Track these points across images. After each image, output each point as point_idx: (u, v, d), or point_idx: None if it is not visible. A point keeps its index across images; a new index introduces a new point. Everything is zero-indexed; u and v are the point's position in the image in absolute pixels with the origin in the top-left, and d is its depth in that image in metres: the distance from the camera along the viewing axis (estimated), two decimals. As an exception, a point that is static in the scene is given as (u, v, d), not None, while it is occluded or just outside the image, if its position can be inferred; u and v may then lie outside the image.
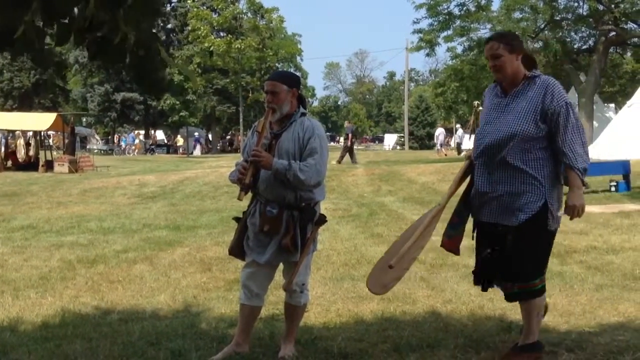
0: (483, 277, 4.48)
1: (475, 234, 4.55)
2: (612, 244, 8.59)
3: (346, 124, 35.44)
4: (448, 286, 6.65)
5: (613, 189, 13.82)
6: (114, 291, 6.86)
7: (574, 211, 4.22)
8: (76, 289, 6.99)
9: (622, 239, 8.88)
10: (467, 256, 8.03)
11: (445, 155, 37.87)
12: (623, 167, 14.23)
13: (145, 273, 7.62)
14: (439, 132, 42.22)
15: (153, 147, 58.51)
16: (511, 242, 4.20)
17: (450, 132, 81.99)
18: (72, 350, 4.74)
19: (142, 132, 62.79)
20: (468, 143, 47.70)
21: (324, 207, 4.77)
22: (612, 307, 5.67)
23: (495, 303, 5.92)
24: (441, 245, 4.65)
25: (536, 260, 4.29)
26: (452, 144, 69.70)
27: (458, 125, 49.20)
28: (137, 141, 58.00)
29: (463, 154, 38.99)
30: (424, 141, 71.46)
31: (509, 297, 4.41)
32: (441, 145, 40.77)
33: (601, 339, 4.74)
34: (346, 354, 4.51)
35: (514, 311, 5.62)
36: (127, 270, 7.82)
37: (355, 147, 30.14)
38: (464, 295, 6.25)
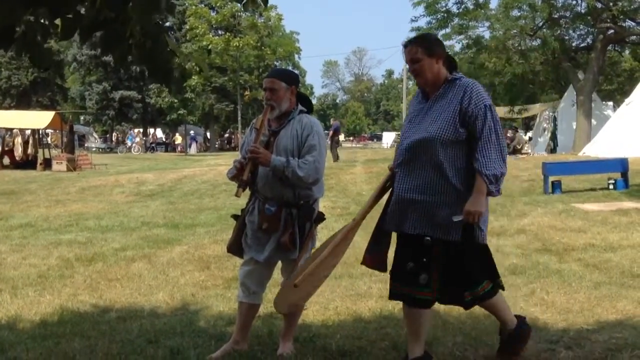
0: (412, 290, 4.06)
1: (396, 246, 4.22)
2: (610, 242, 8.59)
3: (332, 120, 35.98)
4: (446, 284, 6.64)
5: (611, 186, 13.81)
6: (112, 289, 6.86)
7: (469, 217, 3.90)
8: (75, 287, 6.99)
9: (620, 237, 8.89)
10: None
11: None
12: (621, 165, 14.23)
13: (143, 271, 7.63)
14: None
15: (154, 145, 58.43)
16: (450, 256, 3.98)
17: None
18: (71, 348, 4.74)
19: (141, 130, 62.69)
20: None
21: (322, 205, 4.77)
22: (610, 305, 5.67)
23: (493, 301, 5.92)
24: (362, 263, 4.40)
25: (478, 269, 4.12)
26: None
27: None
28: (137, 139, 57.96)
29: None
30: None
31: (466, 305, 4.23)
32: None
33: (599, 336, 4.75)
34: (344, 351, 4.51)
35: (512, 308, 5.61)
36: (126, 268, 7.82)
37: (351, 145, 30.32)
38: (463, 293, 6.25)
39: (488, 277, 4.15)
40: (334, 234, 4.45)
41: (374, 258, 4.33)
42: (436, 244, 3.96)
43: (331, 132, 27.57)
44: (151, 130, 63.88)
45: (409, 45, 4.10)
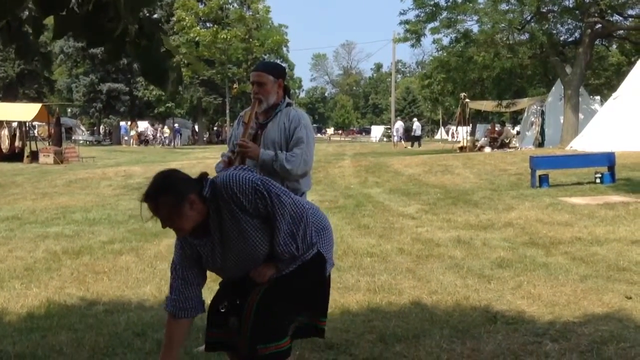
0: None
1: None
2: (597, 235, 8.65)
3: None
4: (434, 277, 6.67)
5: (598, 180, 13.89)
6: (99, 282, 6.83)
7: None
8: (61, 280, 6.96)
9: (606, 230, 8.94)
10: (453, 247, 8.12)
11: (405, 147, 38.67)
12: (608, 159, 14.31)
13: (131, 264, 7.60)
14: (399, 126, 43.66)
15: (147, 138, 58.17)
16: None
17: (437, 124, 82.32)
18: (58, 341, 4.72)
19: (129, 122, 62.42)
20: (456, 135, 48.07)
21: (310, 199, 4.76)
22: (597, 298, 5.71)
23: (480, 294, 5.96)
24: None
25: None
26: (440, 135, 70.09)
27: (415, 119, 49.91)
28: (133, 132, 57.66)
29: (416, 147, 40.27)
30: (410, 133, 71.69)
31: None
32: (400, 139, 41.87)
33: (585, 329, 4.78)
34: (332, 344, 4.52)
35: (499, 302, 5.67)
36: (113, 261, 7.80)
37: (340, 138, 30.47)
38: (450, 286, 6.28)
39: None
40: None
41: None
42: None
43: None
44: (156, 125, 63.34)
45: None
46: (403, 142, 42.02)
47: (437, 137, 72.32)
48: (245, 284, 3.41)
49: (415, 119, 49.66)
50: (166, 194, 3.16)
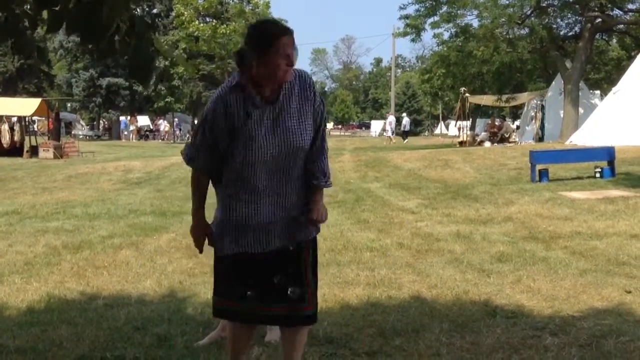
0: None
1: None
2: (597, 230, 8.65)
3: None
4: (433, 271, 6.68)
5: (598, 175, 13.88)
6: (99, 277, 6.84)
7: None
8: (61, 274, 6.96)
9: (606, 225, 8.95)
10: (452, 242, 8.12)
11: (394, 142, 38.74)
12: (608, 154, 14.30)
13: (131, 259, 7.61)
14: (391, 120, 43.69)
15: (147, 133, 58.13)
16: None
17: (437, 118, 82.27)
18: (58, 335, 4.73)
19: (128, 117, 62.40)
20: (454, 130, 48.09)
21: (310, 193, 4.75)
22: (596, 292, 5.71)
23: (480, 288, 5.96)
24: None
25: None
26: (439, 130, 70.11)
27: (404, 114, 49.90)
28: (132, 127, 57.59)
29: (406, 141, 40.36)
30: (410, 127, 71.64)
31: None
32: (392, 133, 42.02)
33: (585, 323, 4.78)
34: (332, 338, 4.53)
35: (499, 296, 5.68)
36: (113, 255, 7.80)
37: (340, 133, 30.55)
38: (449, 280, 6.28)
39: None
40: None
41: None
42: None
43: None
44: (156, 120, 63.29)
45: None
46: (393, 137, 42.05)
47: (437, 131, 72.26)
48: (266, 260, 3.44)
49: (404, 114, 49.72)
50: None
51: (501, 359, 4.06)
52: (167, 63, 46.19)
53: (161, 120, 58.94)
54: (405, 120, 45.45)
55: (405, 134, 43.56)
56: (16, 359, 4.14)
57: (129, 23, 3.07)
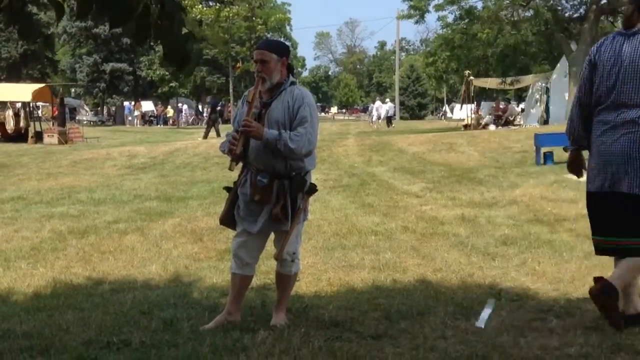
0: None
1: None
2: (601, 212, 8.62)
3: (209, 98, 37.80)
4: (438, 255, 6.69)
5: (602, 157, 13.84)
6: (105, 262, 6.87)
7: None
8: (67, 259, 6.99)
9: (611, 207, 8.91)
10: (457, 225, 8.12)
11: (378, 128, 38.59)
12: (613, 136, 14.25)
13: (136, 244, 7.63)
14: (378, 105, 43.57)
15: (152, 118, 58.03)
16: None
17: (441, 102, 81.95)
18: (64, 320, 4.75)
19: (132, 102, 62.32)
20: (459, 113, 47.96)
21: (314, 178, 4.76)
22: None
23: (485, 271, 5.97)
24: None
25: None
26: (450, 113, 69.77)
27: (388, 100, 49.61)
28: (137, 112, 57.48)
29: (392, 127, 40.19)
30: (414, 111, 71.38)
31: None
32: (379, 118, 41.86)
33: (590, 305, 4.77)
34: (337, 322, 4.54)
35: (504, 279, 5.69)
36: (118, 240, 7.83)
37: (344, 117, 30.50)
38: (454, 263, 6.29)
39: None
40: None
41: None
42: None
43: (209, 109, 29.11)
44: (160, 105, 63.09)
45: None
46: (379, 122, 41.91)
47: (449, 115, 71.94)
48: None
49: (388, 100, 49.45)
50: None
51: (506, 342, 4.06)
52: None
53: (181, 105, 58.35)
54: (389, 105, 45.35)
55: (389, 120, 43.38)
56: (23, 344, 4.16)
57: (160, 4, 3.03)
